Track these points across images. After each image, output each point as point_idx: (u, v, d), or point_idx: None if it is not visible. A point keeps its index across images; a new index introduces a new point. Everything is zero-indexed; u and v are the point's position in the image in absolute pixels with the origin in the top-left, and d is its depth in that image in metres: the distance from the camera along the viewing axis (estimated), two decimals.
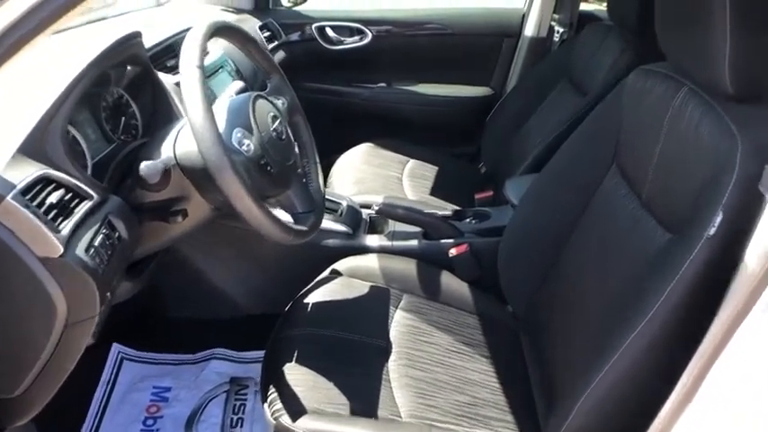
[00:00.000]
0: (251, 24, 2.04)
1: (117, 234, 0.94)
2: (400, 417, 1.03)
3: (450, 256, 1.41)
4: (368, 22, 2.32)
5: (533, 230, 1.26)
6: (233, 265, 1.50)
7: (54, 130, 0.91)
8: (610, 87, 1.20)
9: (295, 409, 0.99)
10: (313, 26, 2.31)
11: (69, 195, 0.88)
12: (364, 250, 1.45)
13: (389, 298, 1.26)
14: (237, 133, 0.96)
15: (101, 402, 1.49)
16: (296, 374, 1.06)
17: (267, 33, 2.10)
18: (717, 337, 0.72)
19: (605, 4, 2.35)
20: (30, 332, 0.85)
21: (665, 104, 0.95)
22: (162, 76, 1.22)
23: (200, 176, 0.95)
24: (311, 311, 1.21)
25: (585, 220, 1.13)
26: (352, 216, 1.52)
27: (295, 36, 2.30)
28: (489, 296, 1.36)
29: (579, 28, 2.14)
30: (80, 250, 0.84)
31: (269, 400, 1.03)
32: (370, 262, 1.35)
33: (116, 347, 1.59)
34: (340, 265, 1.34)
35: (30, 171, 0.82)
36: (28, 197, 0.80)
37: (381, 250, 1.45)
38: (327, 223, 1.45)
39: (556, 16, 2.30)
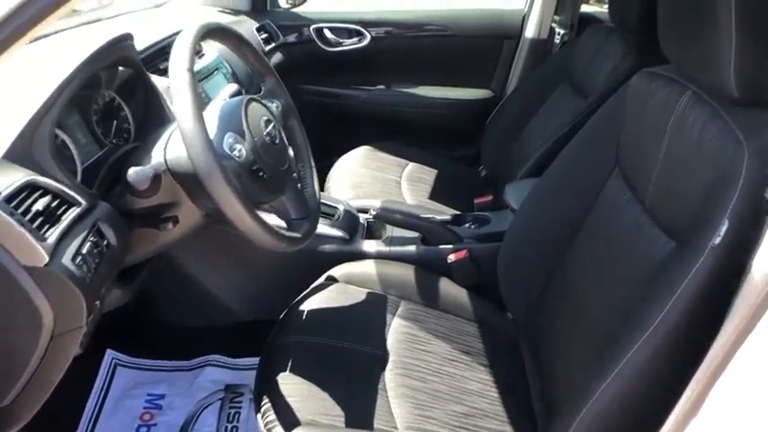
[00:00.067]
0: (248, 26, 2.02)
1: (106, 241, 0.91)
2: (397, 428, 1.00)
3: (449, 262, 1.39)
4: (367, 24, 2.30)
5: (534, 236, 1.23)
6: (227, 271, 1.48)
7: (41, 134, 0.88)
8: (611, 90, 1.18)
9: (289, 420, 0.97)
10: (311, 28, 2.29)
11: (56, 202, 0.86)
12: (361, 256, 1.43)
13: (386, 305, 1.24)
14: (229, 138, 0.94)
15: (94, 409, 1.47)
16: (290, 384, 1.04)
17: (264, 35, 2.08)
18: (722, 350, 0.70)
19: (606, 6, 2.34)
20: (16, 343, 0.82)
21: (669, 108, 0.92)
22: (155, 78, 1.20)
23: (190, 182, 0.92)
24: (306, 319, 1.18)
25: (587, 226, 1.11)
26: (349, 221, 1.50)
27: (293, 38, 2.28)
28: (489, 303, 1.34)
29: (580, 30, 2.12)
30: (66, 259, 0.81)
31: (262, 410, 1.01)
32: (366, 268, 1.33)
33: (110, 354, 1.57)
34: (336, 271, 1.32)
35: (15, 177, 0.80)
36: (13, 204, 0.77)
37: (378, 256, 1.43)
38: (324, 228, 1.42)
39: (557, 18, 2.27)
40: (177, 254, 1.42)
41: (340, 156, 2.04)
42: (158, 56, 1.35)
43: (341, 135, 2.18)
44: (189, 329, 1.54)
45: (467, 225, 1.53)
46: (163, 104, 1.18)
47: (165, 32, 1.44)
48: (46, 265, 0.78)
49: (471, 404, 1.08)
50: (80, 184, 0.93)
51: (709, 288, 0.73)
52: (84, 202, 0.90)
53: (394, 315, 1.23)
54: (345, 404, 1.01)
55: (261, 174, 0.96)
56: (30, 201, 0.81)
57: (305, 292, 1.26)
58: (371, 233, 1.53)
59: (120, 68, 1.12)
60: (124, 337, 1.55)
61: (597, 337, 0.94)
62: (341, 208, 1.52)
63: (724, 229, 0.72)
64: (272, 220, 1.03)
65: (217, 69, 1.51)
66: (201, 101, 1.34)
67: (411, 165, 2.01)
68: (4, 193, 0.77)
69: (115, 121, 1.15)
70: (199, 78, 1.40)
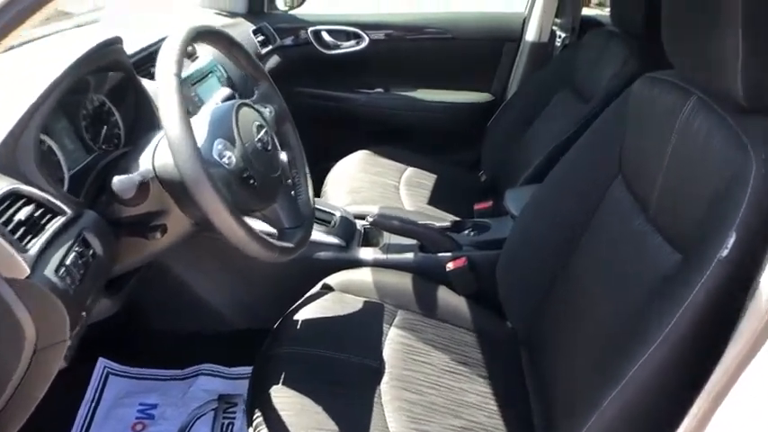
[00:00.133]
0: (244, 28, 2.00)
1: (92, 251, 0.89)
2: None
3: (448, 270, 1.36)
4: (365, 27, 2.27)
5: (534, 243, 1.21)
6: (220, 279, 1.45)
7: (26, 140, 0.86)
8: (613, 95, 1.16)
9: None
10: (309, 30, 2.26)
11: (40, 211, 0.83)
12: (358, 263, 1.40)
13: (383, 315, 1.21)
14: (219, 145, 0.91)
15: (85, 418, 1.44)
16: (283, 397, 1.01)
17: (261, 37, 2.05)
18: (729, 369, 0.68)
19: (607, 10, 2.31)
20: None
21: (673, 115, 0.90)
22: (146, 82, 1.17)
23: (179, 190, 0.90)
24: (301, 329, 1.15)
25: (589, 234, 1.08)
26: (346, 228, 1.47)
27: (290, 40, 2.26)
28: (488, 312, 1.31)
29: (581, 33, 2.09)
30: (49, 270, 0.79)
31: (254, 424, 0.98)
32: (363, 276, 1.30)
33: (102, 362, 1.54)
34: (332, 279, 1.29)
35: None
36: None
37: (375, 264, 1.40)
38: (319, 235, 1.40)
39: (558, 21, 2.25)
40: (168, 261, 1.39)
41: (338, 160, 2.02)
42: (149, 59, 1.32)
43: (339, 139, 2.16)
44: (182, 338, 1.52)
45: (466, 232, 1.50)
46: (154, 109, 1.15)
47: (157, 35, 1.41)
48: (27, 277, 0.76)
49: (469, 417, 1.05)
50: (65, 193, 0.91)
51: (716, 302, 0.71)
52: (69, 211, 0.87)
53: (391, 325, 1.20)
54: (339, 418, 0.98)
55: (251, 181, 0.94)
56: (12, 210, 0.78)
57: (300, 301, 1.23)
58: (368, 240, 1.51)
59: (110, 72, 1.09)
60: (116, 345, 1.52)
61: (600, 348, 0.92)
62: (337, 214, 1.49)
63: (731, 241, 0.70)
64: (265, 228, 1.01)
65: (211, 72, 1.49)
66: (195, 104, 1.33)
67: (410, 169, 1.98)
68: None
69: (105, 126, 1.12)
70: (192, 82, 1.37)
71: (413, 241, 1.45)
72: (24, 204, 0.81)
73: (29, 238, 0.79)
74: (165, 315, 1.50)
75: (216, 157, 0.90)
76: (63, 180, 0.99)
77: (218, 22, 1.95)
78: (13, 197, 0.79)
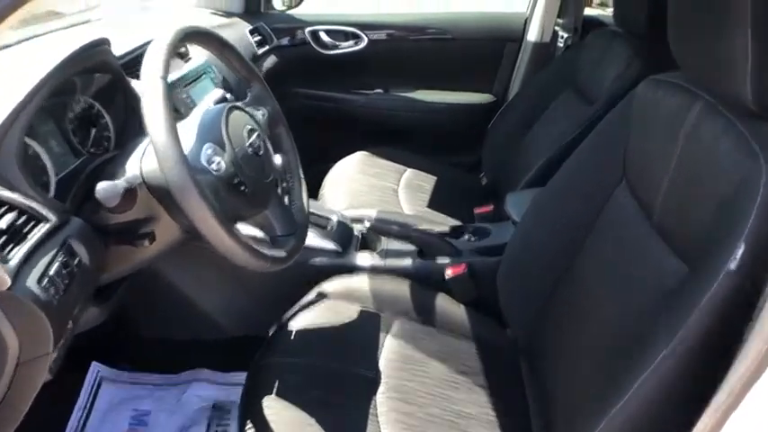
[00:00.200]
0: (240, 28, 1.97)
1: (77, 260, 0.86)
2: None
3: (447, 277, 1.33)
4: (364, 26, 2.24)
5: (535, 250, 1.18)
6: (215, 285, 1.42)
7: (8, 145, 0.83)
8: (617, 97, 1.14)
9: None
10: (306, 30, 2.23)
11: (23, 219, 0.80)
12: (354, 269, 1.37)
13: (380, 323, 1.18)
14: (207, 150, 0.88)
15: (78, 425, 1.42)
16: (276, 409, 0.99)
17: (258, 37, 2.02)
18: (736, 387, 0.65)
19: (609, 10, 2.28)
20: None
21: (679, 119, 0.87)
22: (136, 84, 1.14)
23: (168, 197, 0.87)
24: (294, 338, 1.13)
25: (592, 241, 1.05)
26: (342, 232, 1.44)
27: (287, 40, 2.23)
28: (488, 320, 1.28)
29: (584, 33, 2.06)
30: (32, 281, 0.76)
31: None
32: (359, 283, 1.27)
33: (95, 367, 1.52)
34: (328, 285, 1.26)
35: None
36: None
37: (373, 270, 1.37)
38: (315, 240, 1.37)
39: (560, 21, 2.22)
40: (160, 265, 1.36)
41: (336, 161, 1.99)
42: (139, 61, 1.29)
43: (337, 140, 2.13)
44: (176, 344, 1.49)
45: (466, 237, 1.47)
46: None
47: (149, 36, 1.38)
48: (8, 288, 0.73)
49: (467, 429, 1.02)
50: (50, 199, 0.88)
51: (724, 314, 0.68)
52: (53, 219, 0.84)
53: (387, 334, 1.17)
54: (333, 431, 0.95)
55: (242, 188, 0.90)
56: None
57: (294, 309, 1.20)
58: (366, 245, 1.48)
59: (97, 74, 1.06)
60: (110, 351, 1.50)
61: (604, 358, 0.89)
62: (334, 219, 1.46)
63: (740, 252, 0.67)
64: (257, 235, 0.98)
65: (204, 74, 1.46)
66: (187, 107, 1.30)
67: (409, 171, 1.95)
68: None
69: (94, 129, 1.09)
70: (185, 83, 1.34)
71: (411, 247, 1.42)
72: (6, 212, 0.78)
73: (10, 247, 0.76)
74: (159, 321, 1.47)
75: (204, 162, 0.87)
76: (49, 185, 0.96)
77: (214, 21, 1.92)
78: None
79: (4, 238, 0.75)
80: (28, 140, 0.92)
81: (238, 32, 1.93)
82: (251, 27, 2.02)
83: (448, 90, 2.32)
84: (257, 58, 1.95)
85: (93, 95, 1.09)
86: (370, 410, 1.01)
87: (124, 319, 1.33)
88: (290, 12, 2.31)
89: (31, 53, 1.19)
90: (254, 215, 0.98)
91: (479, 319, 1.27)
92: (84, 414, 1.45)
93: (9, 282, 0.72)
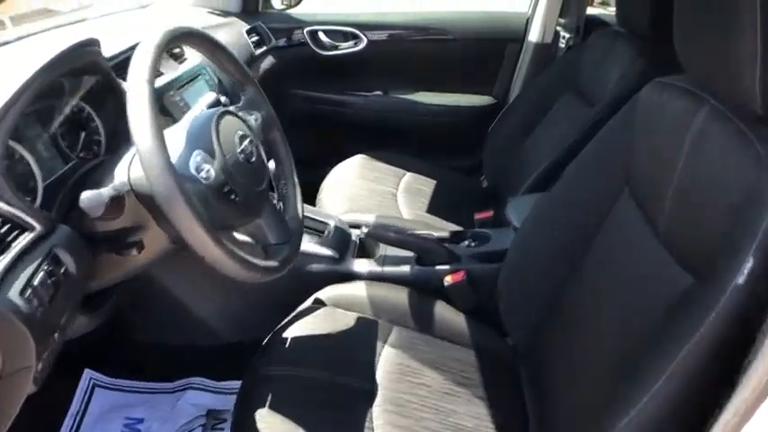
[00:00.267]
0: (238, 28, 1.94)
1: (63, 269, 0.83)
2: None
3: (446, 284, 1.30)
4: (363, 27, 2.21)
5: (536, 257, 1.15)
6: (210, 290, 1.39)
7: None
8: (620, 99, 1.12)
9: None
10: (305, 30, 2.20)
11: (6, 227, 0.77)
12: (351, 276, 1.34)
13: (377, 332, 1.16)
14: (197, 157, 0.85)
15: None
16: (269, 421, 0.96)
17: (256, 38, 1.99)
18: (745, 400, 0.62)
19: (611, 9, 2.25)
20: None
21: (685, 124, 0.84)
22: (126, 86, 1.11)
23: (156, 205, 0.84)
24: (289, 347, 1.10)
25: (595, 249, 1.03)
26: (340, 238, 1.41)
27: (285, 41, 2.20)
28: (488, 328, 1.25)
29: (586, 33, 2.03)
30: (14, 293, 0.73)
31: None
32: (356, 290, 1.24)
33: (88, 373, 1.49)
34: (324, 293, 1.24)
35: None
36: None
37: (370, 277, 1.34)
38: (312, 246, 1.34)
39: (561, 21, 2.18)
40: (155, 270, 1.34)
41: (334, 165, 1.96)
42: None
43: (335, 143, 2.10)
44: (170, 350, 1.46)
45: (465, 243, 1.44)
46: None
47: (142, 36, 1.35)
48: None
49: None
50: (35, 207, 0.85)
51: (732, 330, 0.66)
52: (38, 227, 0.81)
53: (385, 343, 1.14)
54: None
55: (233, 196, 0.88)
56: None
57: (289, 317, 1.18)
58: (364, 251, 1.45)
59: (85, 76, 1.03)
60: (103, 357, 1.47)
61: (607, 372, 0.86)
62: (331, 224, 1.43)
63: (749, 266, 0.64)
64: (249, 243, 0.95)
65: (199, 75, 1.43)
66: (180, 110, 1.27)
67: (409, 175, 1.92)
68: None
69: (83, 133, 1.06)
70: (179, 85, 1.31)
71: (410, 253, 1.39)
72: None
73: None
74: (154, 326, 1.44)
75: (193, 170, 0.84)
76: (36, 191, 0.93)
77: (211, 21, 1.89)
78: None
79: None
80: (13, 144, 0.90)
81: (235, 32, 1.90)
82: (248, 27, 1.99)
83: (448, 92, 2.29)
84: (254, 59, 1.92)
85: (83, 98, 1.06)
86: (366, 423, 0.98)
87: (119, 322, 1.30)
88: (288, 11, 2.28)
89: (24, 52, 1.16)
90: (246, 224, 0.95)
91: (479, 328, 1.24)
92: (77, 421, 1.43)
93: None
